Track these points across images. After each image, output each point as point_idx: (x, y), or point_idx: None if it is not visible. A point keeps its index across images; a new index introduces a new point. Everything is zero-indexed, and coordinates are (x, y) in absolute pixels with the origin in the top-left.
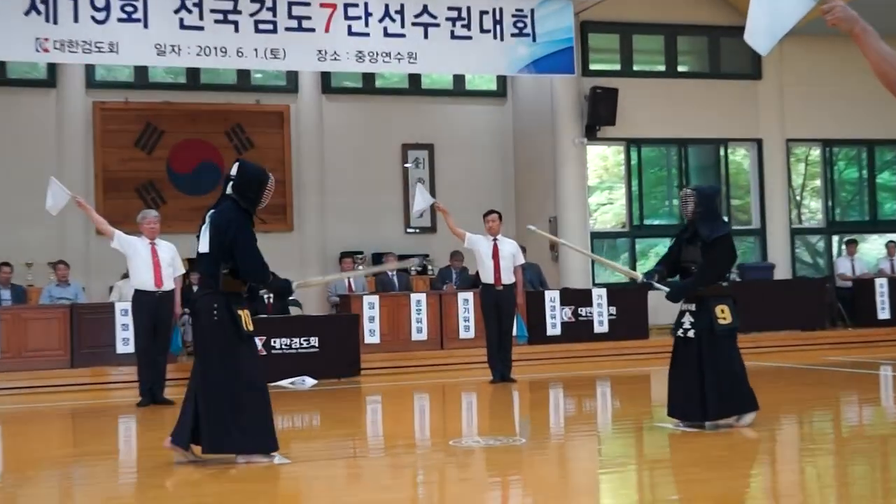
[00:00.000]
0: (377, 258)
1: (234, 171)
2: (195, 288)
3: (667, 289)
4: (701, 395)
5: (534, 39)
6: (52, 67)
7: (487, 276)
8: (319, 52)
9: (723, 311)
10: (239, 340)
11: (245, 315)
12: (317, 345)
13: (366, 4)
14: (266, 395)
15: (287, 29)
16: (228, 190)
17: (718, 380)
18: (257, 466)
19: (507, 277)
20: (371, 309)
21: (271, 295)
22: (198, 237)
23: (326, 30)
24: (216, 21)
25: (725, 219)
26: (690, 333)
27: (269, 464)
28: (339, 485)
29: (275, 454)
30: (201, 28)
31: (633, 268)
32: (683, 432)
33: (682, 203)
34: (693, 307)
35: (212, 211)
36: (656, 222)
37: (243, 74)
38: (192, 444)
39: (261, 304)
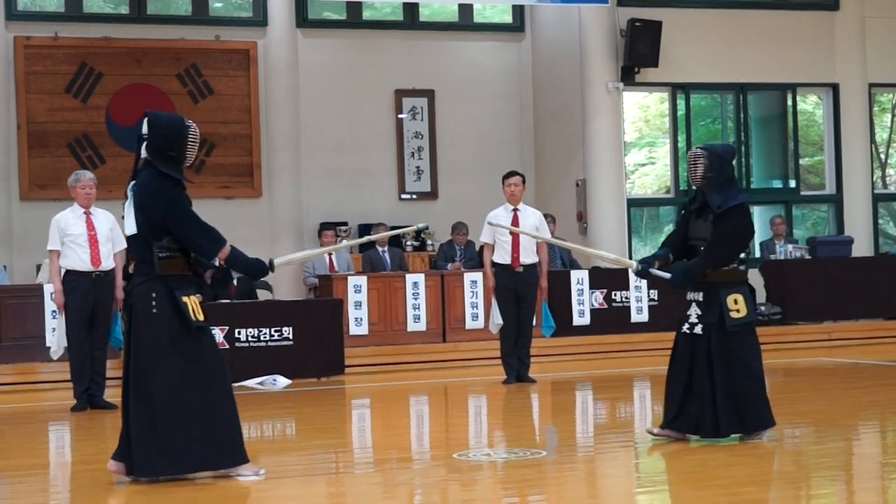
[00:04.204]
0: (365, 230)
1: (144, 128)
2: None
3: (668, 275)
4: (712, 405)
5: None
6: None
7: (503, 255)
8: None
9: (736, 302)
10: (187, 335)
11: (192, 302)
12: (291, 336)
13: None
14: (229, 399)
15: None
16: (143, 152)
17: (733, 386)
18: (218, 484)
19: (528, 256)
20: (357, 293)
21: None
22: (122, 217)
23: None
24: None
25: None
26: (698, 329)
27: (252, 478)
28: None
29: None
30: None
31: None
32: (743, 444)
33: (691, 166)
34: (700, 296)
35: (132, 183)
36: None
37: (199, 3)
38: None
39: (223, 287)
